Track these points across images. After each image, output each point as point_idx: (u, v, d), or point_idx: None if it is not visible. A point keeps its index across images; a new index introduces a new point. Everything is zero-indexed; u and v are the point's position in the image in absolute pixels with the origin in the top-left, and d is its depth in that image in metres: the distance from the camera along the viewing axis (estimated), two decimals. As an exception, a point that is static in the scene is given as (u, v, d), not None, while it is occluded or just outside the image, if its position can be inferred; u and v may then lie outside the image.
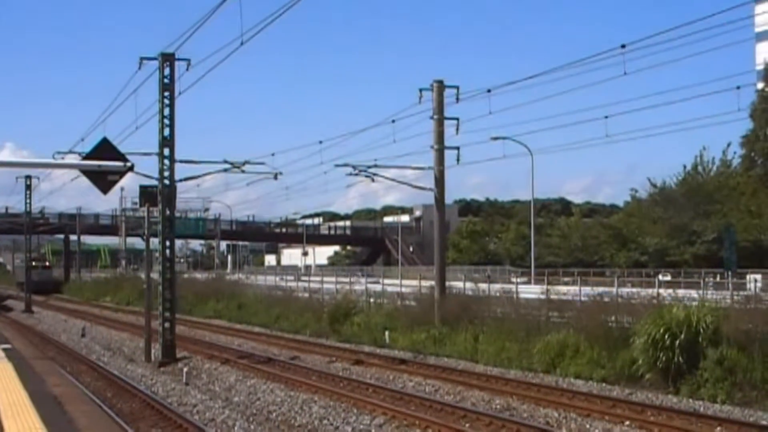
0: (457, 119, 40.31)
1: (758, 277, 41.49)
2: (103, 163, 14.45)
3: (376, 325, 42.50)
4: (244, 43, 28.37)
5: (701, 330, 25.85)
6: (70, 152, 42.84)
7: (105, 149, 14.68)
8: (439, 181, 40.46)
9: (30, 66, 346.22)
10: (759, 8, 77.12)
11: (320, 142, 49.60)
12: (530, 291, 43.93)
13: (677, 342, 25.81)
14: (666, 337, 26.00)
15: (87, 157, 14.86)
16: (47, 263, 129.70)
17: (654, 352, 26.22)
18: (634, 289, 38.63)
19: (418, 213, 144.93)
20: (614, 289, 38.15)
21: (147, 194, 40.78)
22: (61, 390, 23.19)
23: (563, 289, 41.38)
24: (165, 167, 37.92)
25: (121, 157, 14.60)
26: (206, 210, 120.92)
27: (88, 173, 14.70)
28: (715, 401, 24.38)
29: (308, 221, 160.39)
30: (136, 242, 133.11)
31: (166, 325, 38.18)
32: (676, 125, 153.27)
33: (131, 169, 14.69)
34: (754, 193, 73.00)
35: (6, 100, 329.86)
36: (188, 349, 40.86)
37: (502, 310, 37.41)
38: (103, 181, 14.70)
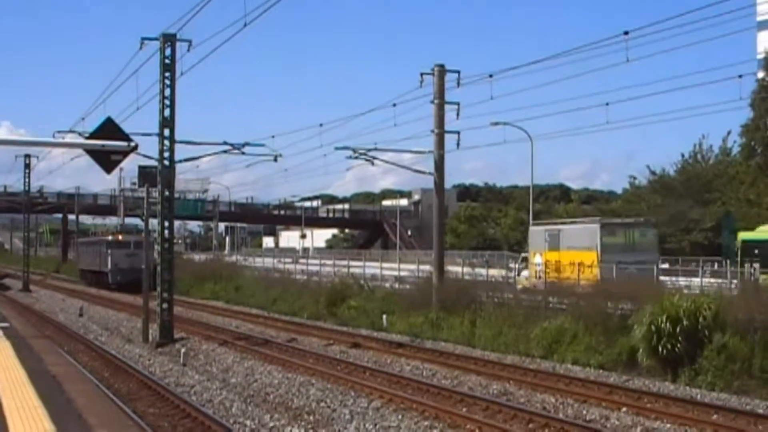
0: (458, 104, 40.34)
1: (757, 265, 41.31)
2: (107, 143, 14.43)
3: (373, 309, 42.52)
4: (248, 25, 28.38)
5: (702, 318, 25.87)
6: (71, 131, 42.76)
7: (109, 129, 14.65)
8: (439, 165, 40.41)
9: (27, 45, 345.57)
10: (761, -3, 76.97)
11: (320, 124, 49.48)
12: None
13: (678, 329, 25.82)
14: (668, 325, 26.00)
15: (91, 136, 14.84)
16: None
17: (655, 339, 26.22)
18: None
19: (416, 197, 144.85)
20: (612, 276, 38.28)
21: (146, 174, 40.80)
22: (58, 369, 23.22)
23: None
24: (165, 148, 37.88)
25: (125, 137, 14.58)
26: (205, 191, 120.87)
27: (92, 152, 14.68)
28: (713, 389, 24.42)
29: (306, 204, 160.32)
30: (135, 222, 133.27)
31: (164, 305, 38.21)
32: (676, 113, 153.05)
33: (135, 149, 14.68)
34: (754, 182, 72.90)
35: (3, 78, 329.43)
36: (186, 330, 40.89)
37: (499, 296, 37.45)
38: (107, 160, 14.69)
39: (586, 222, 49.13)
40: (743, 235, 46.85)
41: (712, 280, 39.51)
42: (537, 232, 49.23)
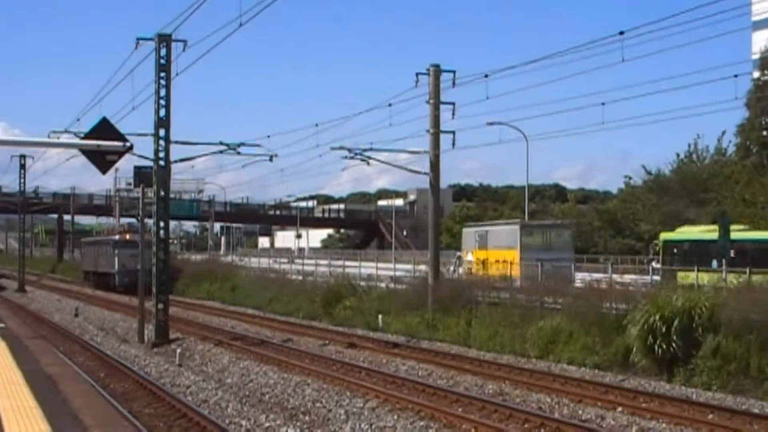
0: (453, 104, 40.37)
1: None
2: (103, 143, 14.42)
3: (369, 309, 42.51)
4: (243, 25, 28.40)
5: (698, 316, 25.89)
6: (66, 132, 42.63)
7: (104, 129, 14.65)
8: (434, 165, 40.43)
9: (23, 45, 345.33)
10: (756, -3, 77.04)
11: (316, 124, 49.53)
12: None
13: (673, 329, 25.85)
14: (662, 324, 26.02)
15: (86, 136, 14.82)
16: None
17: (650, 339, 26.24)
18: (628, 276, 38.95)
19: (412, 197, 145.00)
20: (608, 275, 38.33)
21: (142, 175, 40.86)
22: (54, 369, 23.24)
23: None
24: (160, 148, 37.87)
25: (121, 137, 14.57)
26: (200, 191, 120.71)
27: (87, 153, 14.68)
28: (709, 389, 24.44)
29: (302, 204, 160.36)
30: (130, 223, 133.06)
31: (160, 306, 38.20)
32: (672, 113, 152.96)
33: (130, 149, 14.67)
34: (749, 181, 72.93)
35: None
36: (181, 330, 40.88)
37: (495, 295, 37.45)
38: (102, 160, 14.68)
39: (509, 224, 54.23)
40: (664, 236, 49.12)
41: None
42: (468, 233, 54.65)
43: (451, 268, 51.76)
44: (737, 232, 42.14)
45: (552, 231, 51.51)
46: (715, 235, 39.89)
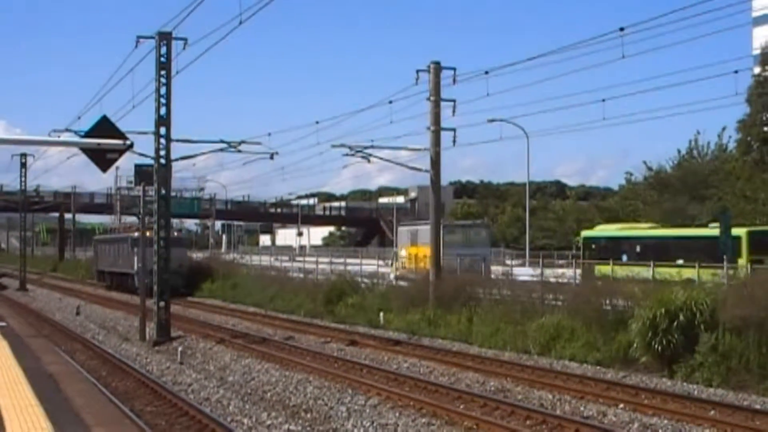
0: (454, 101, 40.36)
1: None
2: (103, 141, 14.43)
3: (370, 306, 42.52)
4: (243, 23, 28.38)
5: (698, 313, 25.88)
6: (67, 130, 42.64)
7: (104, 127, 14.65)
8: (435, 162, 40.43)
9: (23, 44, 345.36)
10: (756, -7, 77.13)
11: (317, 122, 49.50)
12: (525, 273, 44.47)
13: (674, 324, 25.84)
14: (664, 319, 26.01)
15: (86, 135, 14.83)
16: (178, 230, 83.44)
17: (651, 334, 26.23)
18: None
19: (413, 194, 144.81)
20: (609, 272, 38.43)
21: (143, 173, 40.88)
22: (56, 368, 23.28)
23: (558, 271, 43.32)
24: (161, 146, 37.89)
25: (121, 135, 14.58)
26: (201, 189, 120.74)
27: (88, 151, 14.68)
28: (710, 385, 24.41)
29: (303, 202, 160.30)
30: (131, 221, 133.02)
31: (161, 304, 38.20)
32: (672, 109, 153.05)
33: (131, 147, 14.67)
34: (750, 177, 72.86)
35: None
36: (183, 328, 40.90)
37: (497, 292, 37.47)
38: (103, 159, 14.69)
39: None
40: (584, 233, 53.23)
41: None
42: (402, 232, 63.15)
43: (391, 263, 59.14)
44: (643, 230, 49.11)
45: (471, 230, 58.61)
46: (625, 233, 46.20)
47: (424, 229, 53.85)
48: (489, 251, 55.24)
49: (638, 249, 44.41)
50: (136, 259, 60.55)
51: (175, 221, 63.91)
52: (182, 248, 68.42)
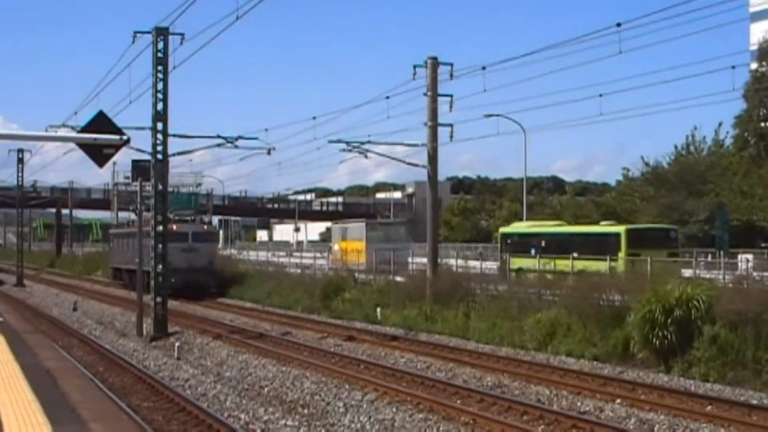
0: (451, 96, 40.37)
1: (750, 256, 42.54)
2: (99, 136, 14.40)
3: (367, 302, 42.54)
4: (240, 18, 28.36)
5: (694, 309, 25.90)
6: (64, 126, 42.65)
7: (101, 122, 14.63)
8: (432, 158, 40.44)
9: (20, 39, 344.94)
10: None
11: (314, 117, 49.29)
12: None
13: (670, 319, 25.86)
14: (660, 314, 26.04)
15: (83, 130, 14.80)
16: (206, 222, 72.07)
17: (648, 329, 26.25)
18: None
19: (410, 190, 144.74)
20: (605, 268, 38.48)
21: (140, 169, 40.79)
22: (53, 363, 23.26)
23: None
24: (158, 142, 37.86)
25: (117, 130, 14.55)
26: (198, 185, 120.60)
27: (84, 146, 14.66)
28: (707, 380, 24.45)
29: (300, 197, 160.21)
30: (129, 216, 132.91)
31: (158, 299, 38.19)
32: (670, 104, 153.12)
33: (127, 142, 14.64)
34: (747, 173, 72.97)
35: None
36: (180, 323, 40.90)
37: (494, 287, 37.50)
38: (99, 154, 14.66)
39: (359, 222, 69.80)
40: (502, 230, 58.44)
41: (707, 272, 40.54)
42: (335, 228, 72.83)
43: (327, 255, 68.28)
44: (548, 227, 55.06)
45: (391, 227, 69.20)
46: (533, 230, 51.10)
47: (352, 227, 67.76)
48: (408, 246, 60.41)
49: (543, 244, 50.03)
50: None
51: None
52: (211, 243, 61.88)
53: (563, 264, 42.03)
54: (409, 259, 55.19)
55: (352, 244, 60.09)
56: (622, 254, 43.77)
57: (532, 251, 48.54)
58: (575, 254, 43.55)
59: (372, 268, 52.41)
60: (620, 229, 47.79)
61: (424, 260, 47.80)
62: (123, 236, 71.86)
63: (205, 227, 62.71)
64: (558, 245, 48.78)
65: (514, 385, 24.55)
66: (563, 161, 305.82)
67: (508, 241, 53.77)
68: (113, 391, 23.11)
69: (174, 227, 56.09)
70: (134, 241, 59.02)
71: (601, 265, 39.99)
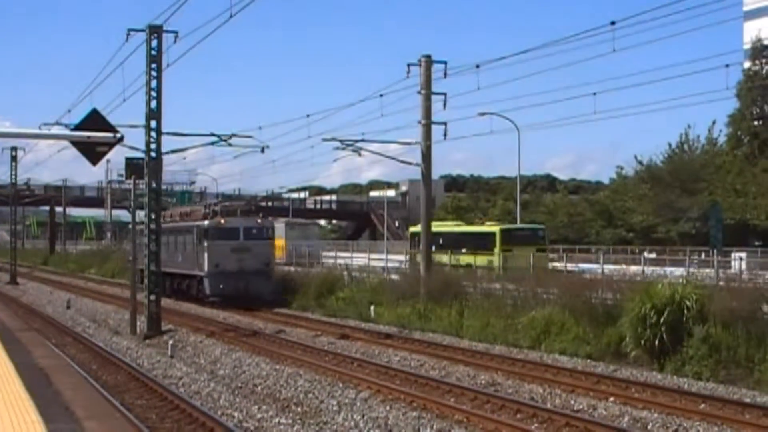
0: (445, 94, 40.46)
1: (743, 255, 42.83)
2: (93, 134, 14.37)
3: (361, 300, 42.52)
4: (233, 16, 28.36)
5: (686, 308, 25.94)
6: (57, 124, 42.57)
7: (94, 120, 14.59)
8: (426, 156, 40.46)
9: (13, 36, 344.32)
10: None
11: (307, 116, 49.33)
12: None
13: (662, 319, 25.90)
14: (652, 314, 26.08)
15: (77, 127, 14.76)
16: (260, 218, 54.01)
17: (640, 329, 26.30)
18: (620, 266, 39.52)
19: (404, 188, 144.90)
20: (599, 266, 38.50)
21: (133, 166, 40.74)
22: (46, 362, 23.28)
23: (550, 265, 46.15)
24: (151, 139, 37.81)
25: (111, 128, 14.52)
26: (192, 183, 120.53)
27: (78, 144, 14.63)
28: (700, 379, 24.48)
29: (294, 195, 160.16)
30: (122, 214, 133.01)
31: (152, 297, 38.15)
32: (663, 103, 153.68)
33: (121, 140, 14.61)
34: (740, 171, 73.18)
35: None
36: (173, 321, 40.85)
37: (487, 286, 37.51)
38: (93, 152, 14.63)
39: (280, 222, 76.07)
40: (411, 229, 62.95)
41: (699, 270, 40.59)
42: (278, 227, 72.95)
43: None
44: (445, 227, 60.61)
45: (306, 227, 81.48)
46: (434, 229, 49.10)
47: (279, 226, 72.80)
48: (319, 243, 74.57)
49: (441, 241, 54.33)
50: (206, 256, 49.08)
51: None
52: (266, 241, 51.21)
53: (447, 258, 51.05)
54: (323, 254, 64.91)
55: (279, 241, 64.45)
56: (497, 250, 51.43)
57: (433, 248, 50.17)
58: (464, 249, 53.68)
59: (292, 261, 65.49)
60: (495, 229, 56.09)
61: (332, 254, 62.88)
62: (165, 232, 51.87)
63: (259, 221, 51.83)
64: (453, 242, 56.10)
65: (507, 384, 24.56)
66: (557, 159, 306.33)
67: (416, 239, 56.01)
68: (107, 389, 23.08)
69: (222, 221, 50.14)
70: (174, 238, 53.80)
71: (480, 260, 49.86)
